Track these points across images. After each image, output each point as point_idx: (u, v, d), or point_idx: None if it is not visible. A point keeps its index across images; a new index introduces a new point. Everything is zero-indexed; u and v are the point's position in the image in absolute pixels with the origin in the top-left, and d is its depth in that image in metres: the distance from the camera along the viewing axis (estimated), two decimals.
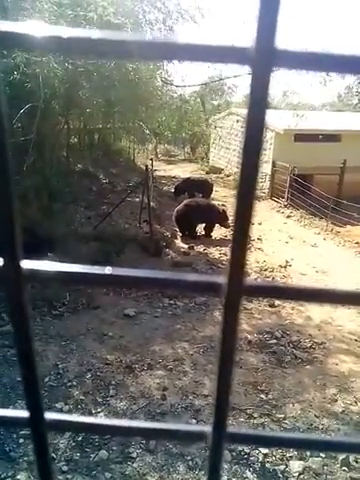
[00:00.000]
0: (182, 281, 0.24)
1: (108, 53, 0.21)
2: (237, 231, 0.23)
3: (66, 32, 0.20)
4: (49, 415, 0.28)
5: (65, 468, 3.56)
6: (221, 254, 8.65)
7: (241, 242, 0.23)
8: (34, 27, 0.20)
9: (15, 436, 3.81)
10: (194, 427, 0.29)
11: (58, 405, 4.21)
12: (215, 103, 21.93)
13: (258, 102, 0.20)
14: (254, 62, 0.20)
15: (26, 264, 0.24)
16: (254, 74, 0.20)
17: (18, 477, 3.45)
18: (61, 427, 0.29)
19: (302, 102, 31.18)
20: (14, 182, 0.24)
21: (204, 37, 0.20)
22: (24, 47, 0.21)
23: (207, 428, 0.28)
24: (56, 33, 0.20)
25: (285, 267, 8.13)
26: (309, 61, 0.20)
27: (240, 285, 0.24)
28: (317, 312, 6.45)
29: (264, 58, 0.20)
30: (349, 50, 0.20)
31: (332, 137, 14.41)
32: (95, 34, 0.20)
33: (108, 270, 0.24)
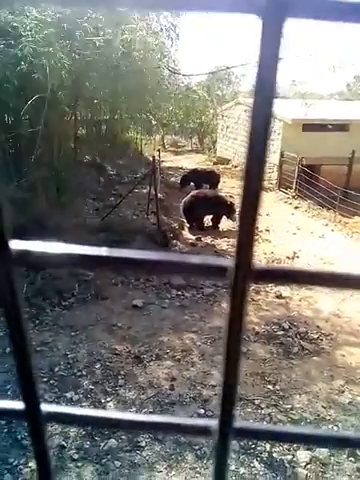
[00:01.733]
0: (187, 263, 0.23)
1: (109, 2, 0.19)
2: (245, 212, 0.21)
3: None
4: (46, 407, 0.27)
5: (75, 456, 3.61)
6: (229, 245, 8.62)
7: (249, 224, 0.21)
8: None
9: (26, 424, 3.87)
10: (200, 421, 0.27)
11: (68, 394, 4.27)
12: (222, 93, 21.71)
13: (269, 58, 0.18)
14: (264, 11, 0.18)
15: (15, 245, 0.23)
16: (264, 26, 0.18)
17: (30, 464, 3.51)
18: (58, 419, 0.28)
19: (310, 91, 30.68)
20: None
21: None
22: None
23: (213, 422, 0.27)
24: None
25: (293, 258, 8.09)
26: (325, 9, 0.18)
27: (248, 269, 0.22)
28: (325, 304, 6.41)
29: (276, 6, 0.18)
30: None
31: (341, 127, 14.18)
32: None
33: (105, 251, 0.23)
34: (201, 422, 0.27)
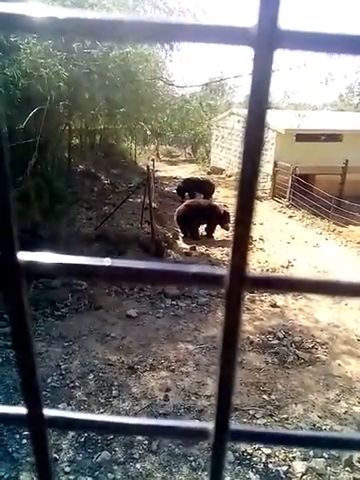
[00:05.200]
0: (183, 273, 0.24)
1: (107, 34, 0.21)
2: (239, 221, 0.22)
3: (62, 13, 0.20)
4: (48, 412, 0.28)
5: (68, 469, 3.55)
6: (223, 254, 8.64)
7: (243, 233, 0.22)
8: (29, 8, 0.20)
9: (18, 437, 3.81)
10: (196, 424, 0.28)
11: (61, 406, 4.21)
12: (216, 103, 21.95)
13: (260, 86, 0.20)
14: (256, 43, 0.19)
15: (23, 256, 0.24)
16: (256, 56, 0.20)
17: (21, 478, 3.45)
18: (60, 424, 0.28)
19: (303, 102, 31.19)
20: (10, 171, 0.24)
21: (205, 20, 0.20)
22: (20, 29, 0.20)
23: (210, 425, 0.27)
24: (52, 14, 0.20)
25: (287, 267, 8.12)
26: (313, 41, 0.20)
27: (242, 276, 0.23)
28: (321, 313, 6.43)
29: (266, 39, 0.19)
30: (354, 30, 0.20)
31: (334, 137, 14.39)
32: (93, 15, 0.20)
33: (107, 262, 0.24)
34: (198, 425, 0.28)
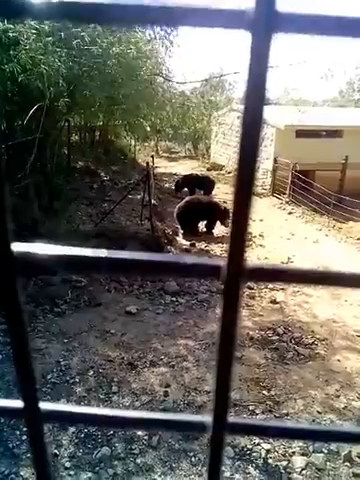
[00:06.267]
0: (181, 264, 0.23)
1: (104, 18, 0.20)
2: (237, 213, 0.22)
3: None
4: (44, 405, 0.27)
5: (68, 464, 3.57)
6: (223, 251, 8.64)
7: (241, 224, 0.22)
8: None
9: (18, 433, 3.82)
10: (195, 417, 0.28)
11: (61, 402, 4.22)
12: (216, 100, 21.88)
13: (258, 71, 0.19)
14: (253, 26, 0.19)
15: (17, 247, 0.23)
16: (253, 40, 0.19)
17: (21, 473, 3.46)
18: (56, 418, 0.28)
19: (303, 98, 31.11)
20: (5, 166, 0.23)
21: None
22: (17, 15, 0.20)
23: (208, 418, 0.27)
24: None
25: (287, 263, 8.13)
26: (312, 25, 0.19)
27: (240, 267, 0.23)
28: (320, 309, 6.44)
29: (264, 22, 0.19)
30: (353, 13, 0.19)
31: (334, 133, 14.35)
32: None
33: (103, 253, 0.24)
34: (196, 418, 0.28)
